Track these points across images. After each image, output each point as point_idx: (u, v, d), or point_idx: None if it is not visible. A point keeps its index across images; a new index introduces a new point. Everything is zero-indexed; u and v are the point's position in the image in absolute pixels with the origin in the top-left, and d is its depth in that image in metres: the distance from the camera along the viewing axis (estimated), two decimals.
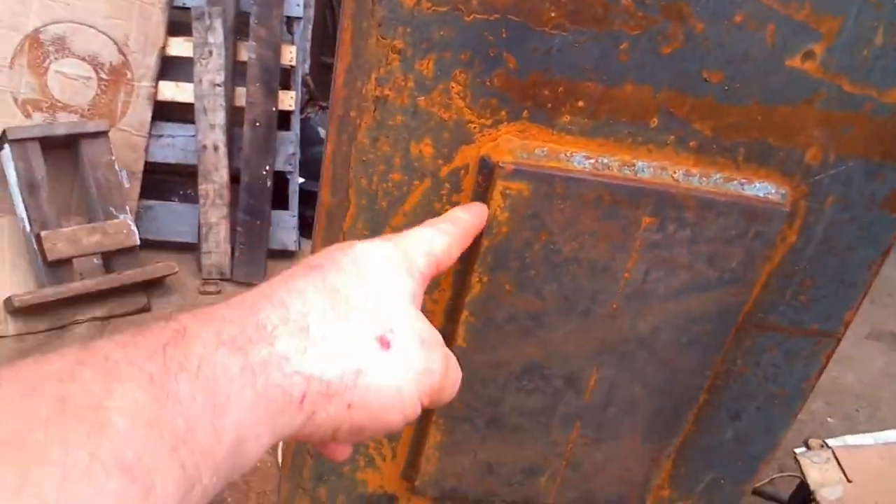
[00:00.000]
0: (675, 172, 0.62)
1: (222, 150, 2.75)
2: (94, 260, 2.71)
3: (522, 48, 0.56)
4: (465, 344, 0.66)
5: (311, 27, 3.25)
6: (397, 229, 0.62)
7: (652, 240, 0.63)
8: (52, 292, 2.52)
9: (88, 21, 2.63)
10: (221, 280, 2.95)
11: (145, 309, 2.77)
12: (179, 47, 2.79)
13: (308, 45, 3.21)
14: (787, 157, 0.65)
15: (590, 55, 0.57)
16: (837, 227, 0.69)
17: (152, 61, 2.76)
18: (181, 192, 2.96)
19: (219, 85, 2.72)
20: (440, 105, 0.57)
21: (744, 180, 0.64)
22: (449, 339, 0.66)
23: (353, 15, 0.54)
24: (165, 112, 2.87)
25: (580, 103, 0.59)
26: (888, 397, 3.46)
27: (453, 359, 0.47)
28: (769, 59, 0.60)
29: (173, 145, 2.88)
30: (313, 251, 0.63)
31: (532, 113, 0.59)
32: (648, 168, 0.62)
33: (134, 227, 2.69)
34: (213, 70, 2.70)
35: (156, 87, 2.79)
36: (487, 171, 0.59)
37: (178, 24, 2.81)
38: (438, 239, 0.51)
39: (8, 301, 2.49)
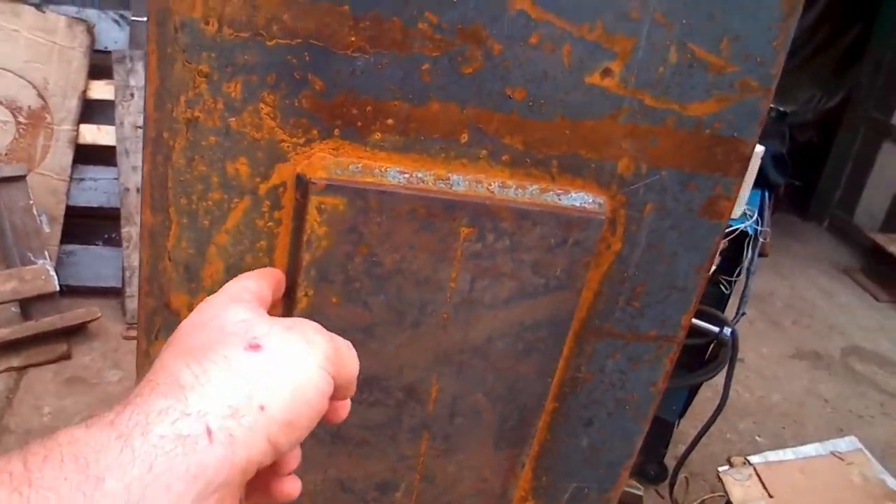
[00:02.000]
0: (490, 185, 0.67)
1: None
2: (12, 308, 2.67)
3: (327, 70, 0.60)
4: None
5: None
6: (221, 247, 0.65)
7: (472, 250, 0.67)
8: None
9: (6, 65, 2.63)
10: None
11: (65, 356, 2.73)
12: (101, 90, 2.81)
13: None
14: (599, 169, 0.70)
15: (393, 76, 0.62)
16: (660, 234, 0.74)
17: (73, 105, 2.77)
18: (104, 236, 2.95)
19: (140, 127, 2.73)
20: (251, 125, 0.61)
21: (560, 191, 0.69)
22: None
23: (157, 40, 0.57)
24: (87, 155, 2.87)
25: (389, 121, 0.63)
26: (812, 414, 3.56)
27: (331, 331, 0.49)
28: (568, 76, 0.65)
29: (95, 188, 2.87)
30: (140, 271, 0.65)
31: (343, 131, 0.63)
32: (463, 181, 0.66)
33: (53, 273, 2.66)
34: (134, 112, 2.71)
35: (77, 130, 2.79)
36: (303, 187, 0.62)
37: (100, 68, 2.83)
38: (256, 273, 0.55)
39: None
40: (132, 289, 2.78)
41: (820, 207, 6.06)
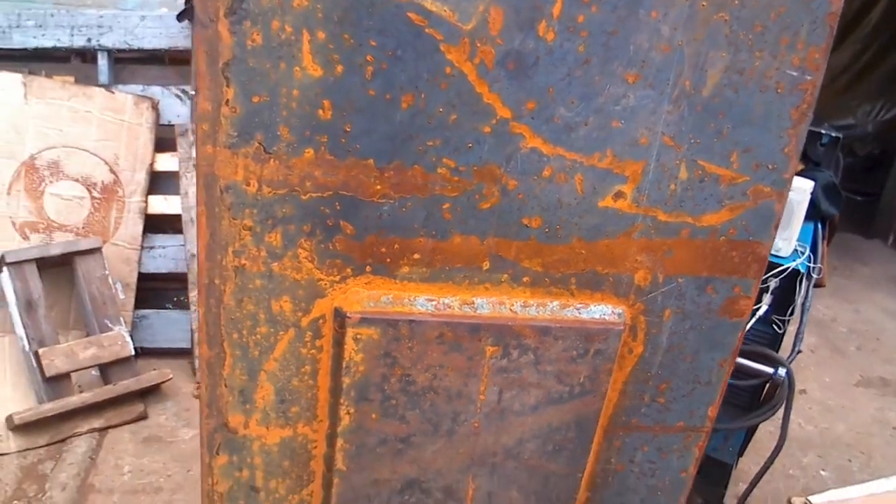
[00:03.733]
0: (512, 305, 0.72)
1: None
2: (92, 372, 2.82)
3: (356, 216, 0.67)
4: (344, 468, 0.74)
5: None
6: (270, 373, 0.72)
7: (499, 366, 0.72)
8: (50, 407, 2.62)
9: (80, 144, 2.82)
10: None
11: (142, 417, 2.87)
12: (166, 162, 2.97)
13: None
14: (617, 282, 0.74)
15: (417, 216, 0.68)
16: (681, 335, 0.78)
17: (142, 178, 2.94)
18: (174, 299, 3.10)
19: None
20: (292, 268, 0.68)
21: (580, 305, 0.74)
22: (330, 463, 0.74)
23: (205, 202, 0.65)
24: (156, 224, 3.04)
25: (416, 255, 0.69)
26: (881, 444, 3.41)
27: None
28: (582, 202, 0.70)
29: (164, 255, 3.03)
30: (200, 399, 0.72)
31: (374, 267, 0.69)
32: (487, 304, 0.71)
33: (128, 338, 2.81)
34: None
35: (146, 201, 2.96)
36: (340, 319, 0.69)
37: (165, 141, 3.00)
38: None
39: (9, 419, 2.60)
40: None
41: (884, 223, 5.81)
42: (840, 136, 3.31)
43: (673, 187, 0.72)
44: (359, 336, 0.68)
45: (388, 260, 0.69)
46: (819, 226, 3.00)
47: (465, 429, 0.74)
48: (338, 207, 0.66)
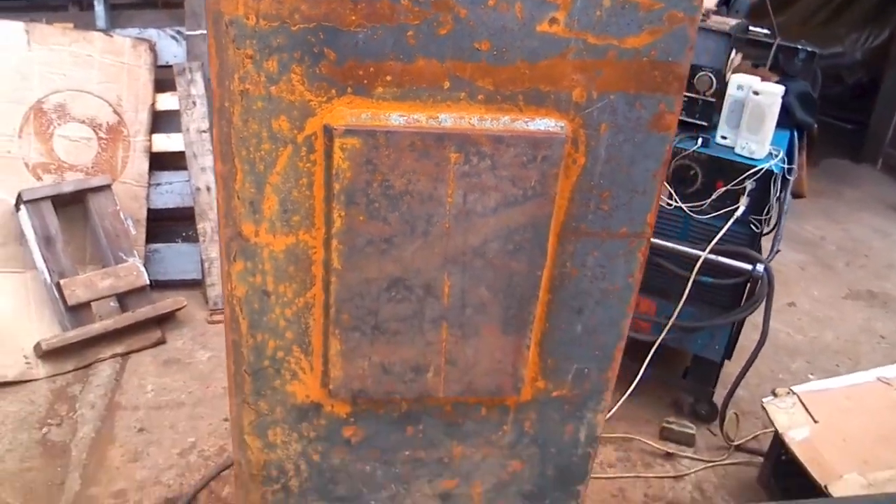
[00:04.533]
0: (470, 119, 0.87)
1: (214, 189, 3.06)
2: (111, 303, 3.01)
3: (337, 44, 0.82)
4: (339, 267, 0.90)
5: None
6: (274, 185, 0.88)
7: (462, 171, 0.87)
8: (74, 334, 2.81)
9: (84, 87, 2.96)
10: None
11: (161, 342, 3.06)
12: (167, 102, 3.12)
13: None
14: (557, 99, 0.89)
15: (386, 43, 0.83)
16: (616, 147, 0.93)
17: (144, 117, 3.09)
18: (183, 234, 3.27)
19: (205, 131, 3.03)
20: (286, 91, 0.83)
21: (527, 119, 0.89)
22: (328, 265, 0.91)
23: (214, 35, 0.80)
24: (161, 162, 3.19)
25: (388, 77, 0.84)
26: (867, 351, 3.58)
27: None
28: (523, 28, 0.85)
29: (171, 191, 3.19)
30: (218, 208, 0.88)
31: (354, 89, 0.84)
32: (449, 118, 0.86)
33: (143, 269, 2.99)
34: (198, 118, 3.01)
35: (150, 140, 3.11)
36: (329, 134, 0.84)
37: (164, 81, 3.14)
38: None
39: (37, 346, 2.79)
40: (211, 278, 3.09)
41: (872, 148, 5.94)
42: (816, 51, 3.41)
43: (599, 13, 0.86)
44: (344, 146, 0.83)
45: (366, 81, 0.84)
46: (795, 134, 3.14)
47: (438, 229, 0.90)
48: (321, 36, 0.81)
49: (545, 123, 0.89)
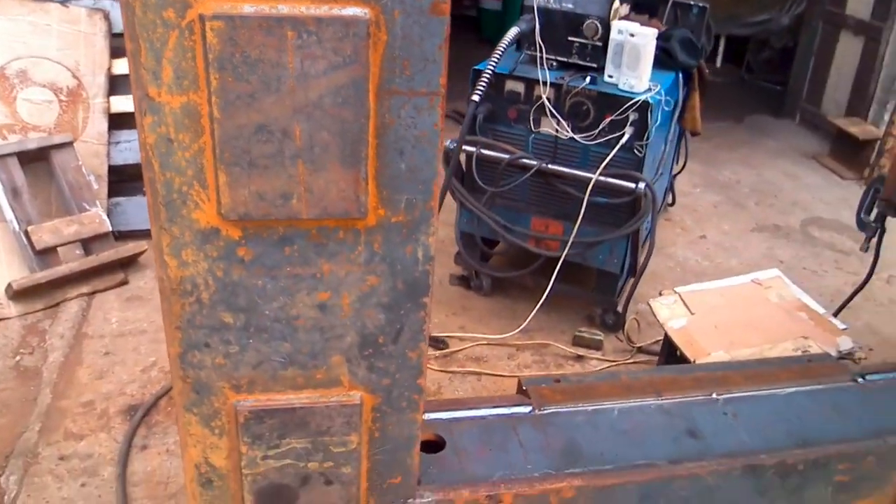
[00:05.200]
0: (300, 7, 1.30)
1: None
2: (76, 250, 3.43)
3: None
4: (219, 116, 1.33)
5: None
6: (169, 59, 1.31)
7: (297, 44, 1.30)
8: (43, 275, 3.24)
9: (44, 54, 3.38)
10: None
11: (124, 282, 3.49)
12: (123, 66, 3.54)
13: None
14: None
15: None
16: (408, 28, 1.36)
17: (102, 80, 3.51)
18: (144, 189, 3.69)
19: None
20: None
21: (340, 7, 1.32)
22: (212, 115, 1.34)
23: None
24: (119, 122, 3.61)
25: None
26: None
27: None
28: None
29: (130, 148, 3.61)
30: (130, 76, 1.31)
31: None
32: (285, 7, 1.30)
33: (105, 216, 3.41)
34: None
35: (108, 102, 3.53)
36: (202, 20, 1.27)
37: (119, 48, 3.56)
38: None
39: (8, 287, 3.21)
40: None
41: (791, 105, 6.50)
42: (706, 6, 3.90)
43: None
44: (213, 28, 1.27)
45: None
46: (680, 75, 3.62)
47: (286, 86, 1.33)
48: None
49: (353, 10, 1.32)
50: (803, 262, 4.19)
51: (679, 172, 4.42)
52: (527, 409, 2.24)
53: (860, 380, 2.53)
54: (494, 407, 2.23)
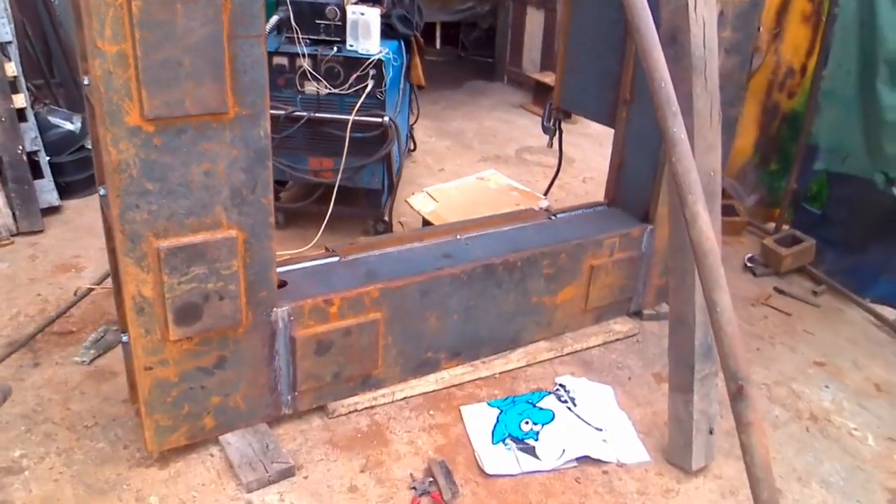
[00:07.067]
0: None
1: None
2: None
3: None
4: (140, 55, 2.45)
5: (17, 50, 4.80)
6: (110, 24, 2.41)
7: (183, 12, 2.47)
8: None
9: None
10: (12, 236, 4.46)
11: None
12: None
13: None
14: None
15: None
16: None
17: None
18: None
19: None
20: None
21: None
22: (134, 55, 2.45)
23: None
24: None
25: None
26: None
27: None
28: None
29: None
30: (83, 39, 2.39)
31: None
32: None
33: None
34: None
35: None
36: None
37: None
38: None
39: None
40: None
41: (499, 70, 8.59)
42: None
43: None
44: (136, 5, 2.40)
45: None
46: (402, 43, 5.17)
47: (180, 30, 2.49)
48: None
49: None
50: (520, 177, 5.90)
51: (415, 122, 5.96)
52: (336, 259, 3.53)
53: (553, 217, 4.13)
54: (312, 261, 3.50)
